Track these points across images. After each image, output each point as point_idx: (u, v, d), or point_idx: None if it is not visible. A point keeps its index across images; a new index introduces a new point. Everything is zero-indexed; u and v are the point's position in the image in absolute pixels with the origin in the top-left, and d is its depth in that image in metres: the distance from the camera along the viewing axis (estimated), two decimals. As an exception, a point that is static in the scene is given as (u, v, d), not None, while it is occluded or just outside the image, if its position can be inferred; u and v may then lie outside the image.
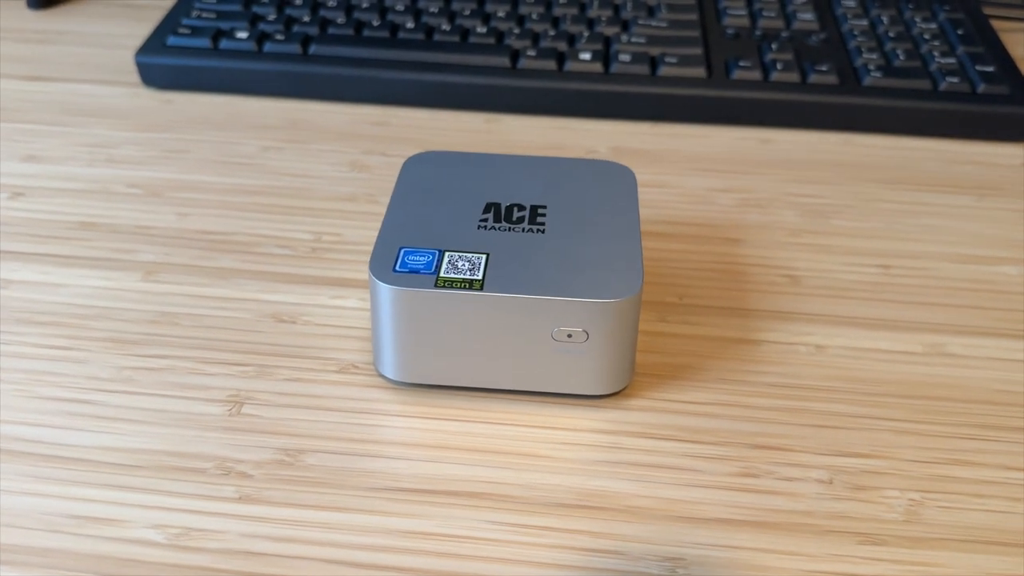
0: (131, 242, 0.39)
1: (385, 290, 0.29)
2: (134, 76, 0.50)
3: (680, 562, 0.27)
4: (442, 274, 0.30)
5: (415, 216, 0.32)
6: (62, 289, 0.36)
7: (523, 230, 0.32)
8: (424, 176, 0.34)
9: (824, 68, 0.48)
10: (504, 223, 0.32)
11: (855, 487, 0.29)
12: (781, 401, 0.32)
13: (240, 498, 0.28)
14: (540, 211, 0.33)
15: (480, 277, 0.30)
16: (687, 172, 0.44)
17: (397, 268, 0.30)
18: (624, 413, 0.31)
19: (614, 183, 0.34)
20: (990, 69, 0.48)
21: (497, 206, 0.33)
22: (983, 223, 0.42)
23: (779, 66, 0.48)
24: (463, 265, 0.30)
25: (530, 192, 0.34)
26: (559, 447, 0.30)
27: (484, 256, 0.30)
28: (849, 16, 0.52)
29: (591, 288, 0.29)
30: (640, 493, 0.29)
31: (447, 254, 0.30)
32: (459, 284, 0.29)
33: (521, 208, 0.33)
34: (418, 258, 0.30)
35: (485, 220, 0.32)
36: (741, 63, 0.48)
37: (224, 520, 0.28)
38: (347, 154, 0.45)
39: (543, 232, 0.32)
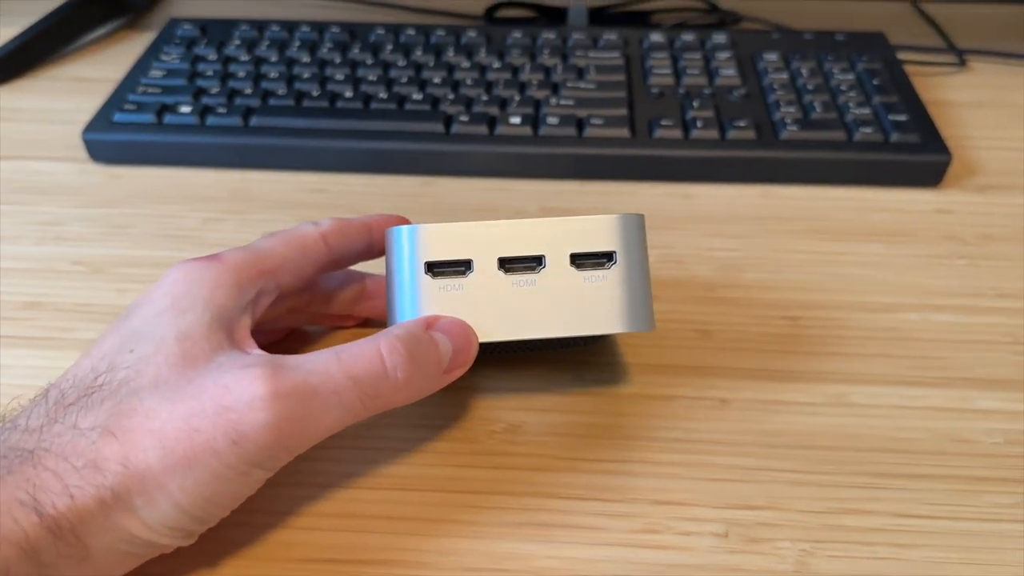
0: (71, 320, 0.41)
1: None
2: (83, 152, 0.52)
3: (579, 620, 0.29)
4: None
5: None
6: (4, 370, 0.38)
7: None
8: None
9: (742, 124, 0.50)
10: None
11: (749, 539, 0.31)
12: (684, 456, 0.34)
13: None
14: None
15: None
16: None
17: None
18: (532, 474, 0.33)
19: None
20: (902, 118, 0.50)
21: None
22: (892, 270, 0.43)
23: (699, 123, 0.50)
24: None
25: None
26: (470, 511, 0.32)
27: None
28: (770, 70, 0.55)
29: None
30: (546, 554, 0.31)
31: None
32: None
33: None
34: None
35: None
36: (663, 122, 0.50)
37: None
38: (286, 222, 0.47)
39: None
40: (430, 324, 0.30)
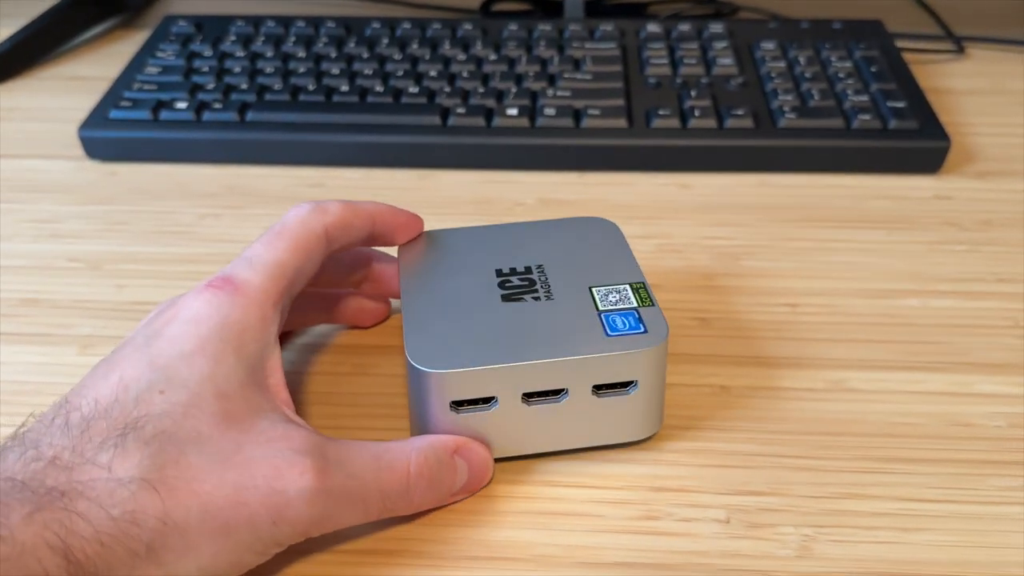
0: (69, 316, 0.41)
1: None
2: (80, 150, 0.52)
3: (580, 607, 0.29)
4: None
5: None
6: (1, 367, 0.38)
7: (534, 298, 0.33)
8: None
9: (740, 112, 0.50)
10: (517, 292, 0.33)
11: (751, 525, 0.31)
12: (684, 443, 0.34)
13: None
14: (543, 275, 0.34)
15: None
16: (610, 220, 0.46)
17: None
18: (529, 462, 0.33)
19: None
20: (901, 105, 0.50)
21: (507, 278, 0.34)
22: (891, 257, 0.43)
23: (697, 113, 0.50)
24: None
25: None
26: (468, 500, 0.32)
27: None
28: (767, 59, 0.54)
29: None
30: (545, 541, 0.30)
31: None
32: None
33: (526, 274, 0.34)
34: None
35: (506, 291, 0.33)
36: (660, 112, 0.50)
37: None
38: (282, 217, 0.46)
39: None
40: (458, 448, 0.31)
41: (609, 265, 0.35)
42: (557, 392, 0.31)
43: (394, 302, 0.40)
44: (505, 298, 0.33)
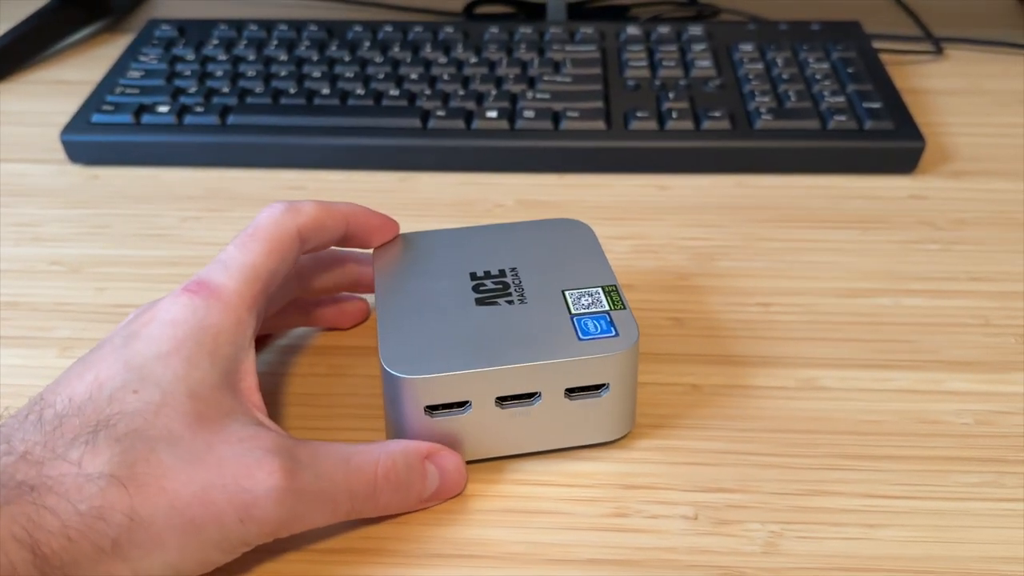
0: (50, 319, 0.41)
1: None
2: (62, 153, 0.52)
3: (548, 604, 0.29)
4: None
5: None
6: (-21, 369, 0.38)
7: (508, 301, 0.33)
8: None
9: (717, 114, 0.50)
10: (491, 295, 0.34)
11: (719, 522, 0.31)
12: (655, 441, 0.34)
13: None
14: (516, 279, 0.34)
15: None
16: (588, 221, 0.46)
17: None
18: (500, 461, 0.33)
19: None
20: (877, 105, 0.51)
21: (481, 281, 0.34)
22: (865, 256, 0.44)
23: (674, 115, 0.50)
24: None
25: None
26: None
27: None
28: (745, 60, 0.55)
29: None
30: (514, 539, 0.31)
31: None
32: None
33: (500, 277, 0.34)
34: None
35: (480, 295, 0.34)
36: (638, 114, 0.50)
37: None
38: (263, 220, 0.47)
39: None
40: (430, 455, 0.31)
41: (582, 267, 0.35)
42: (530, 396, 0.32)
43: (372, 300, 0.41)
44: (479, 302, 0.33)
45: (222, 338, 0.30)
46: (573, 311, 0.33)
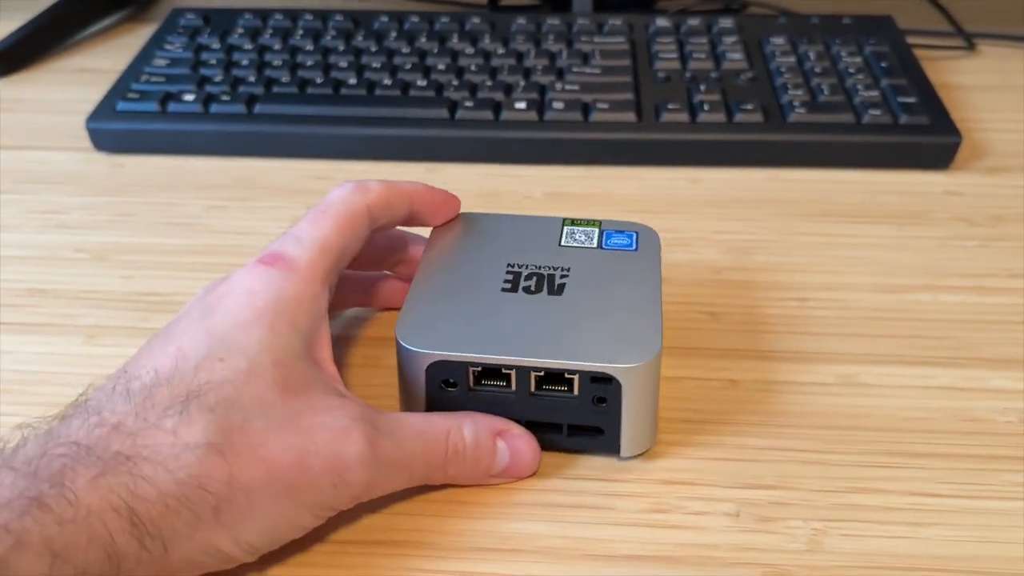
0: (75, 307, 0.40)
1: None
2: (87, 141, 0.52)
3: (588, 599, 0.28)
4: None
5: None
6: (5, 356, 0.38)
7: (545, 294, 0.33)
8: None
9: (750, 107, 0.49)
10: (525, 288, 0.33)
11: (761, 519, 0.31)
12: (693, 436, 0.34)
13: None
14: (563, 275, 0.34)
15: None
16: (619, 214, 0.45)
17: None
18: (542, 455, 0.33)
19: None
20: (911, 100, 0.50)
21: (518, 272, 0.34)
22: (902, 252, 0.43)
23: (706, 107, 0.49)
24: None
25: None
26: (476, 491, 0.31)
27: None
28: (777, 53, 0.54)
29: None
30: (554, 533, 0.30)
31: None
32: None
33: (543, 272, 0.34)
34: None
35: (508, 284, 0.33)
36: (670, 106, 0.50)
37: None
38: (289, 210, 0.46)
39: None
40: (502, 432, 0.31)
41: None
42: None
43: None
44: (510, 290, 0.33)
45: (300, 309, 0.30)
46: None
